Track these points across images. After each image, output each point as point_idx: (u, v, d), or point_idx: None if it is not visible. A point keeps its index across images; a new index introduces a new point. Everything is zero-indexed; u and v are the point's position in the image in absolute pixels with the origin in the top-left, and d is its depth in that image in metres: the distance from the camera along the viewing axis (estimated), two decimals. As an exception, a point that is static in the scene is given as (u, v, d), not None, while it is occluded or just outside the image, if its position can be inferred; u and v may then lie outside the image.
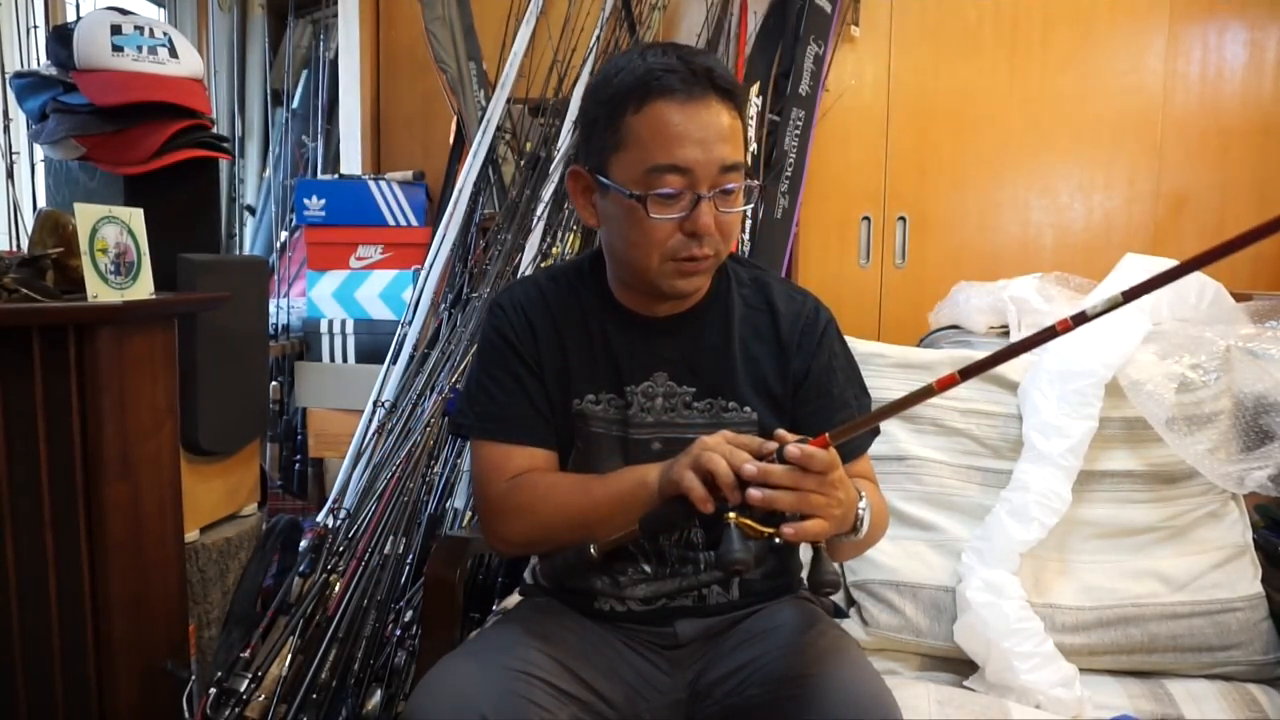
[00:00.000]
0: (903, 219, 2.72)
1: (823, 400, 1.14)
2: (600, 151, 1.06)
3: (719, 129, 1.01)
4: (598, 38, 2.47)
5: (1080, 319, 0.73)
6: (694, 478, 0.91)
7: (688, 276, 1.06)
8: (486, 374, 1.15)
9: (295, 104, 3.01)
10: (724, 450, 0.91)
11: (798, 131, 2.50)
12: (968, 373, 0.81)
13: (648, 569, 1.13)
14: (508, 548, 1.16)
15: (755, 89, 2.49)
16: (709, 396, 1.13)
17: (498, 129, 2.48)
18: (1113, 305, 0.71)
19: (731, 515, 0.89)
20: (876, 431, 1.22)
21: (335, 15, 2.84)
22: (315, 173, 2.90)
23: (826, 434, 0.89)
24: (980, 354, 1.62)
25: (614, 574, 1.13)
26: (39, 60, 1.90)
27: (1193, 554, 1.48)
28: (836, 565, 0.92)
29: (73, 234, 1.36)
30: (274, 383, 2.49)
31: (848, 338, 1.24)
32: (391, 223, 2.57)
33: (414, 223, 2.58)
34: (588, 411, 1.13)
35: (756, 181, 1.10)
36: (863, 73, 2.70)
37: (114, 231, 1.38)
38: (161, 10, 2.84)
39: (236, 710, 1.53)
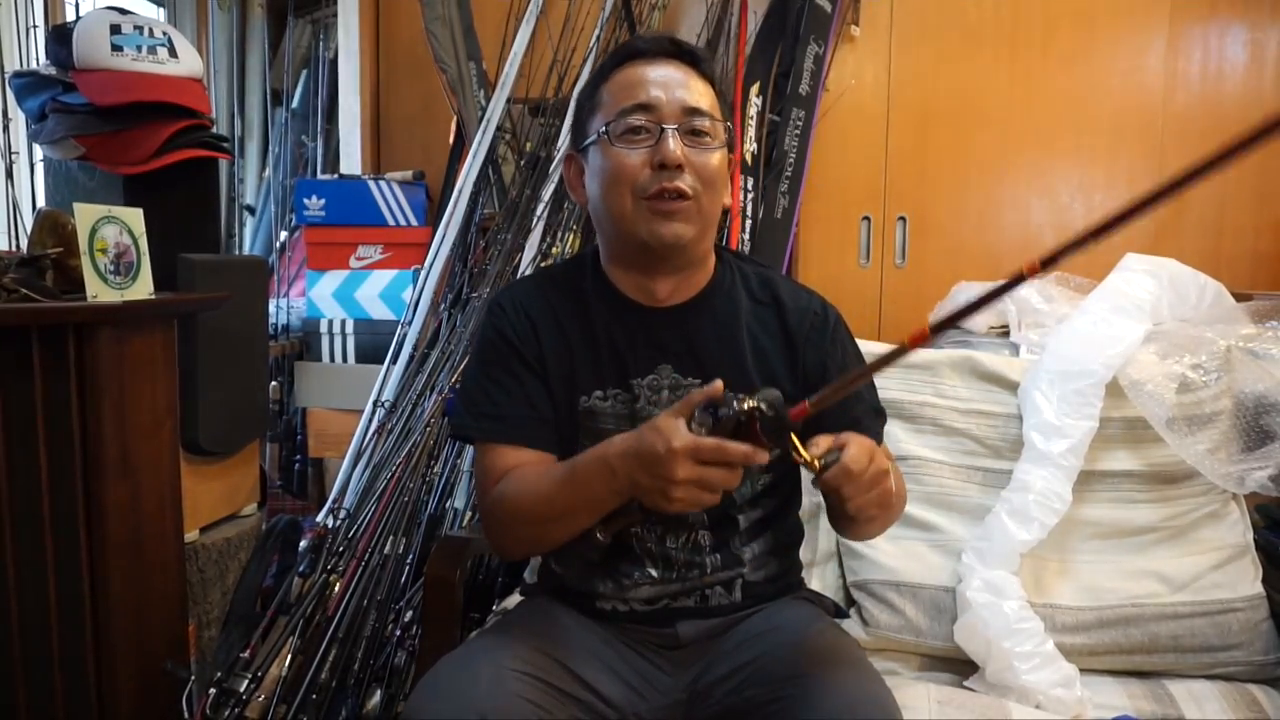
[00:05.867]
0: (903, 219, 2.72)
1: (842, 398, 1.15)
2: (583, 123, 1.13)
3: (682, 80, 1.08)
4: (598, 38, 2.47)
5: (1049, 262, 0.76)
6: (685, 505, 0.90)
7: (664, 219, 1.06)
8: (485, 375, 1.14)
9: (295, 104, 3.01)
10: (693, 475, 0.89)
11: (798, 131, 2.50)
12: (938, 328, 0.83)
13: (654, 573, 1.12)
14: (508, 556, 1.16)
15: (755, 89, 2.49)
16: None
17: (498, 129, 2.48)
18: (1078, 242, 0.75)
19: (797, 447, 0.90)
20: (883, 417, 1.21)
21: (335, 15, 2.84)
22: (315, 173, 2.90)
23: (806, 401, 0.89)
24: (980, 354, 1.64)
25: (618, 576, 1.12)
26: (38, 60, 1.90)
27: (1193, 554, 1.47)
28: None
29: (72, 234, 1.36)
30: (274, 383, 2.49)
31: (848, 337, 1.23)
32: (391, 223, 2.57)
33: (414, 223, 2.57)
34: (595, 409, 1.12)
35: (728, 123, 1.12)
36: (863, 73, 2.70)
37: (113, 231, 1.38)
38: (161, 10, 2.84)
39: (236, 710, 1.53)
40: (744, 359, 1.12)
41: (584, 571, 1.13)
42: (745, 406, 0.87)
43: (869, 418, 1.17)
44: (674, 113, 1.06)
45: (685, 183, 1.05)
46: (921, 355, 1.63)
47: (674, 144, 1.04)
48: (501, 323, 1.15)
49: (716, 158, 1.08)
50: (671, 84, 1.07)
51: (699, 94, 1.08)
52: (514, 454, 1.11)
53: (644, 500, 0.93)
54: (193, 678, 1.50)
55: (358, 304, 2.54)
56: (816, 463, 0.90)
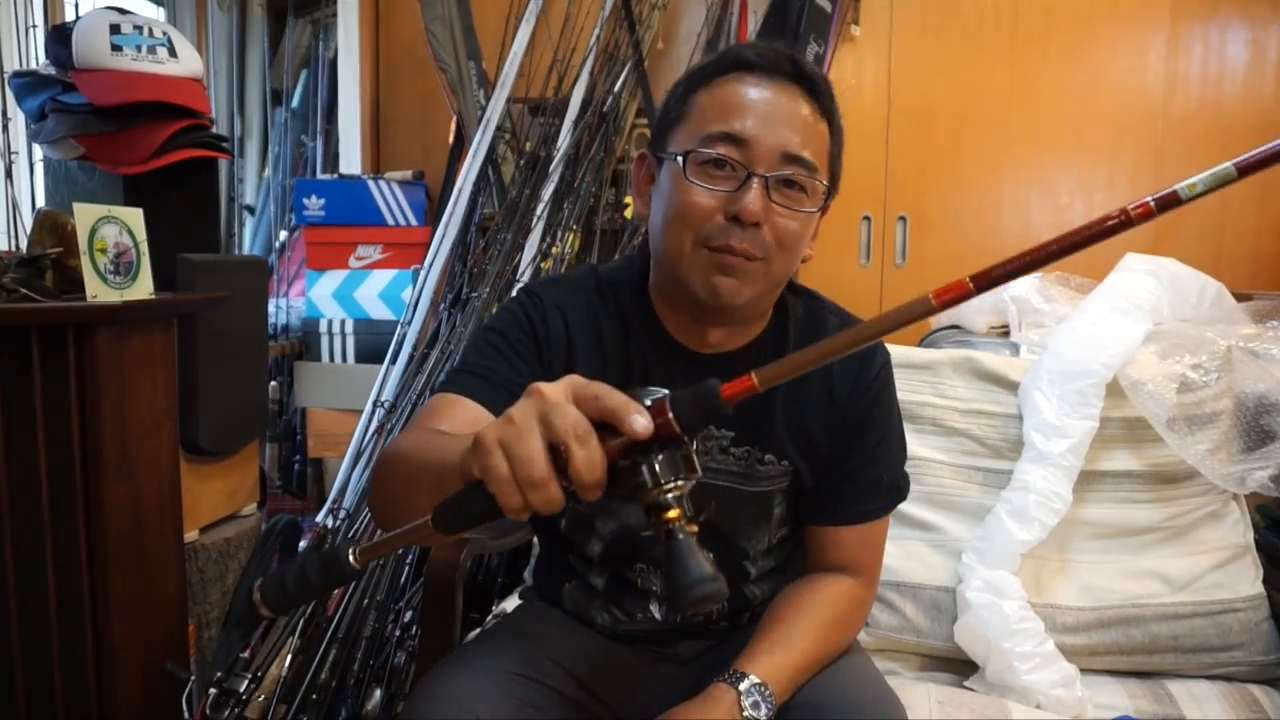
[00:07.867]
0: (903, 219, 2.72)
1: (860, 446, 1.04)
2: (665, 130, 0.96)
3: (792, 114, 0.90)
4: (598, 38, 2.47)
5: (1168, 202, 0.50)
6: (500, 461, 0.56)
7: (722, 274, 0.89)
8: (485, 339, 1.00)
9: (295, 104, 3.01)
10: (561, 422, 0.55)
11: (798, 131, 2.50)
12: (980, 280, 0.52)
13: (657, 615, 1.08)
14: (374, 513, 0.91)
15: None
16: (747, 444, 1.02)
17: (497, 129, 2.48)
18: (1224, 181, 0.48)
19: (672, 515, 0.56)
20: (900, 494, 1.07)
21: (335, 15, 2.84)
22: (315, 172, 2.90)
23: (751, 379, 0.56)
24: (980, 354, 1.63)
25: (617, 614, 1.09)
26: (38, 60, 1.90)
27: (1193, 554, 1.47)
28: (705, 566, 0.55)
29: (72, 234, 1.36)
30: (274, 383, 2.49)
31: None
32: (391, 222, 2.57)
33: (413, 222, 2.57)
34: None
35: (824, 182, 0.92)
36: (863, 73, 2.70)
37: (113, 231, 1.38)
38: (161, 10, 2.84)
39: (236, 710, 1.53)
40: (775, 416, 1.01)
41: (583, 601, 1.10)
42: (667, 518, 0.56)
43: (874, 488, 1.04)
44: (768, 156, 0.88)
45: (758, 245, 0.88)
46: (921, 355, 1.63)
47: (756, 197, 0.87)
48: (534, 313, 1.00)
49: (803, 220, 0.91)
50: (776, 118, 0.89)
51: (807, 136, 0.90)
52: (466, 405, 0.89)
53: (472, 471, 0.58)
54: (193, 678, 1.50)
55: (357, 304, 2.54)
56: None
